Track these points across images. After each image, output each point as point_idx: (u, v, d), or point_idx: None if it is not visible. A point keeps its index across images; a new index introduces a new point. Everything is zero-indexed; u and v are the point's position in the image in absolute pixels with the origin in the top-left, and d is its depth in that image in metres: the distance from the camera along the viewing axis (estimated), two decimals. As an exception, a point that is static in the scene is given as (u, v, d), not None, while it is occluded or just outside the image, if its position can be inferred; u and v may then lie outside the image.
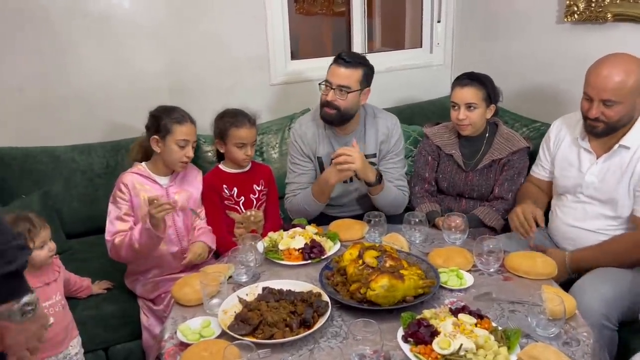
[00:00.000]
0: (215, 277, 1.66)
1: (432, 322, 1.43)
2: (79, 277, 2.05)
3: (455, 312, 1.48)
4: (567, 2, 2.59)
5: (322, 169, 2.32)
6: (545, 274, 1.72)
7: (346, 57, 2.15)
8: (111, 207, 2.00)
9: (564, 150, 2.02)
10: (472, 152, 2.37)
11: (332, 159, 2.11)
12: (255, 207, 2.25)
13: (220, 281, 1.66)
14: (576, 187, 1.96)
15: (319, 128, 2.32)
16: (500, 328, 1.42)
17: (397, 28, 4.05)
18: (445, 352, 1.33)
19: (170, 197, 2.05)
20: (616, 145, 1.81)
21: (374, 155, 2.32)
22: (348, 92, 2.13)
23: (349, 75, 2.14)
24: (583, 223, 1.96)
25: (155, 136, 2.00)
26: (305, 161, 2.33)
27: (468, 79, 2.27)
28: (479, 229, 2.27)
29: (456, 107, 2.27)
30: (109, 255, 2.01)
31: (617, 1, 2.38)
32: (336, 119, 2.20)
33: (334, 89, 2.15)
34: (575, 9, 2.56)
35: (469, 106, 2.24)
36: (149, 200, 1.85)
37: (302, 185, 2.32)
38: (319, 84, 2.22)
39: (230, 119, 2.18)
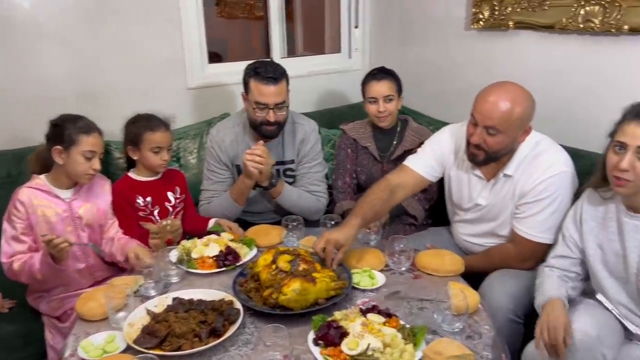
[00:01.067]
0: (121, 290, 1.59)
1: (342, 323, 1.45)
2: None
3: (365, 312, 1.50)
4: (474, 9, 2.71)
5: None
6: (453, 270, 1.79)
7: (272, 75, 2.11)
8: (6, 226, 1.86)
9: (456, 169, 2.04)
10: (386, 145, 2.49)
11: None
12: (171, 216, 2.18)
13: (126, 294, 1.60)
14: (469, 206, 2.03)
15: (238, 135, 2.29)
16: (407, 326, 1.46)
17: (317, 33, 4.09)
18: (354, 352, 1.34)
19: (74, 212, 1.93)
20: (501, 174, 1.89)
21: (292, 161, 2.32)
22: (287, 107, 2.19)
23: (280, 91, 2.13)
24: (477, 238, 2.06)
25: (58, 147, 1.87)
26: (222, 169, 2.30)
27: (382, 72, 2.41)
28: (401, 217, 2.41)
29: (374, 101, 2.38)
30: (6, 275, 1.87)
31: (518, 9, 2.51)
32: (278, 132, 2.23)
33: (272, 109, 2.13)
34: (481, 16, 2.68)
35: (386, 98, 2.36)
36: (44, 241, 1.74)
37: (217, 194, 2.28)
38: (254, 108, 2.16)
39: (144, 123, 2.11)
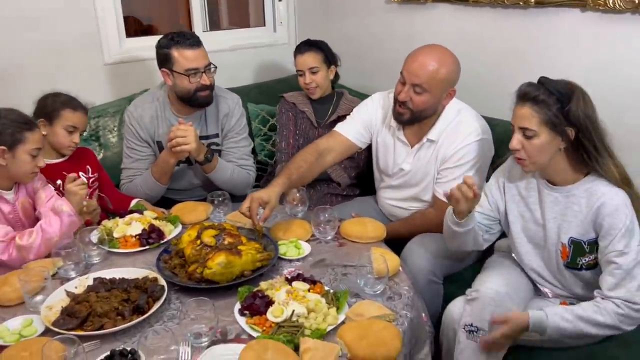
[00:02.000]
0: (38, 273, 1.53)
1: (268, 292, 1.47)
2: None
3: (290, 281, 1.53)
4: (393, -17, 2.75)
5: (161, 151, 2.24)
6: (375, 237, 1.85)
7: (192, 39, 2.10)
8: None
9: (383, 135, 2.11)
10: (322, 112, 2.58)
11: (167, 139, 2.05)
12: (86, 198, 2.10)
13: (44, 276, 1.54)
14: (394, 172, 2.10)
15: (157, 110, 2.23)
16: (331, 291, 1.50)
17: (242, 6, 4.02)
18: (278, 319, 1.37)
19: (17, 214, 1.82)
20: (425, 139, 1.97)
21: (216, 135, 2.29)
22: (215, 68, 2.17)
23: (205, 54, 2.14)
24: (401, 203, 2.13)
25: (2, 147, 1.69)
26: (142, 146, 2.24)
27: (306, 45, 2.49)
28: (326, 182, 2.50)
29: (301, 74, 2.47)
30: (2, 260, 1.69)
31: (434, -17, 2.58)
32: (212, 97, 2.20)
33: (203, 72, 2.11)
34: (400, -11, 2.73)
35: (311, 70, 2.44)
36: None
37: (139, 172, 2.23)
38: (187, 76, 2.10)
39: (66, 99, 2.02)
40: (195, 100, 2.16)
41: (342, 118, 2.38)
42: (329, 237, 1.86)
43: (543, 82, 1.52)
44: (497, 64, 2.43)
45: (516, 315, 1.51)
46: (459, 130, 1.90)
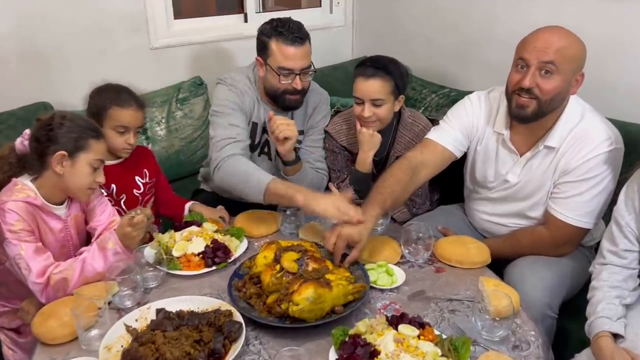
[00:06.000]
0: (91, 303, 1.30)
1: (369, 338, 1.21)
2: None
3: (392, 322, 1.26)
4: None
5: (254, 135, 1.96)
6: (480, 262, 1.57)
7: (297, 34, 1.81)
8: (16, 247, 1.41)
9: (485, 141, 1.79)
10: (378, 150, 1.97)
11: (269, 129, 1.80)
12: (141, 205, 1.86)
13: (99, 307, 1.30)
14: (494, 184, 1.79)
15: (254, 97, 1.95)
16: (444, 336, 1.23)
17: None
18: (389, 378, 1.11)
19: (69, 231, 1.58)
20: (541, 146, 1.65)
21: (302, 132, 2.02)
22: (313, 72, 1.90)
23: (306, 53, 1.84)
24: (500, 219, 1.82)
25: (62, 151, 1.46)
26: (242, 116, 1.88)
27: (373, 67, 1.87)
28: None
29: (360, 102, 1.89)
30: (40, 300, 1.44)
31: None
32: (301, 102, 1.94)
33: (298, 74, 1.82)
34: (485, -34, 2.39)
35: (374, 102, 1.87)
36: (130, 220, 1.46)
37: (234, 138, 1.80)
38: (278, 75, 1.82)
39: (112, 95, 1.74)
40: (281, 102, 1.89)
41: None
42: (422, 260, 1.59)
43: None
44: (599, 56, 2.09)
45: None
46: (589, 137, 1.57)
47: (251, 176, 1.68)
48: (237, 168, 1.72)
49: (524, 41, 1.58)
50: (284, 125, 1.75)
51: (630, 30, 1.96)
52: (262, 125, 1.97)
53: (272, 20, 1.87)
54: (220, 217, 1.85)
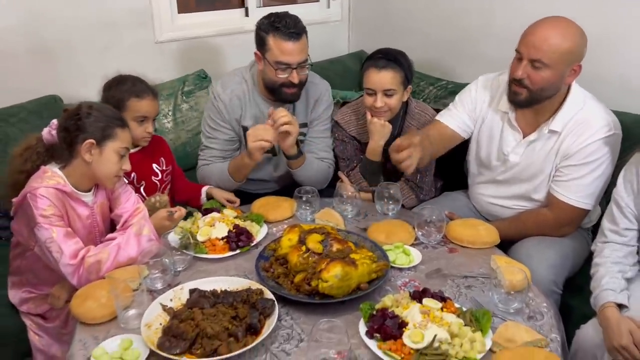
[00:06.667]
0: (125, 284, 1.36)
1: (396, 311, 1.29)
2: None
3: (415, 297, 1.35)
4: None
5: (246, 139, 2.02)
6: (490, 242, 1.66)
7: (294, 29, 1.86)
8: (47, 231, 1.45)
9: (489, 120, 1.89)
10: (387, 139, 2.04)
11: (270, 121, 1.85)
12: (159, 191, 1.92)
13: (134, 287, 1.36)
14: (497, 164, 1.89)
15: (246, 93, 2.01)
16: (464, 309, 1.32)
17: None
18: (419, 345, 1.19)
19: (95, 218, 1.62)
20: (545, 130, 1.74)
21: (305, 125, 2.09)
22: (310, 66, 1.95)
23: (303, 48, 1.89)
24: (505, 201, 1.91)
25: (91, 140, 1.50)
26: (226, 127, 2.03)
27: (385, 59, 1.93)
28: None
29: (372, 93, 1.95)
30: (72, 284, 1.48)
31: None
32: (299, 95, 1.99)
33: (295, 68, 1.88)
34: (481, -38, 2.48)
35: (387, 92, 1.93)
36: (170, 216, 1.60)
37: (219, 154, 2.03)
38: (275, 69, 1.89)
39: (130, 87, 1.79)
40: (278, 95, 1.95)
41: None
42: (435, 242, 1.68)
43: None
44: (593, 47, 2.20)
45: None
46: (589, 123, 1.68)
47: (221, 174, 2.00)
48: (210, 172, 2.04)
49: (524, 33, 1.69)
50: (285, 118, 1.81)
51: (623, 24, 2.07)
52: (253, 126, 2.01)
53: (270, 15, 1.92)
54: (228, 200, 1.95)
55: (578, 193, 1.70)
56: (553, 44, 1.61)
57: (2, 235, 2.09)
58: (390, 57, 1.93)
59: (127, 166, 1.58)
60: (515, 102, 1.74)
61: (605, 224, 1.59)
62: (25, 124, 2.17)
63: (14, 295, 1.70)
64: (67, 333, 1.63)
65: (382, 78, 1.91)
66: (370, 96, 1.96)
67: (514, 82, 1.70)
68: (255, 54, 1.94)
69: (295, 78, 1.89)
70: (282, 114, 1.82)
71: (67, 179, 1.53)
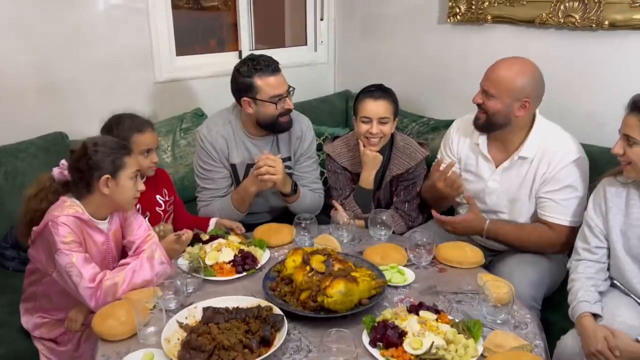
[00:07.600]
0: (143, 304, 1.46)
1: (395, 322, 1.41)
2: None
3: (411, 310, 1.48)
4: (450, 4, 2.75)
5: (236, 175, 2.18)
6: (476, 262, 1.81)
7: (273, 64, 2.05)
8: (67, 257, 1.54)
9: (466, 154, 2.10)
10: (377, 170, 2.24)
11: (253, 168, 2.00)
12: (163, 221, 2.03)
13: (150, 306, 1.46)
14: (479, 192, 2.06)
15: (230, 133, 2.16)
16: (457, 320, 1.45)
17: (273, 25, 3.97)
18: (419, 351, 1.31)
19: (110, 244, 1.73)
20: (516, 157, 1.94)
21: (289, 159, 2.24)
22: (294, 89, 2.11)
23: (284, 78, 2.08)
24: None
25: (106, 175, 1.61)
26: (219, 167, 2.17)
27: (380, 90, 2.15)
28: None
29: (368, 121, 2.12)
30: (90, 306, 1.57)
31: (495, 4, 2.58)
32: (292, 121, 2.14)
33: (286, 96, 2.06)
34: (458, 10, 2.73)
35: (381, 120, 2.12)
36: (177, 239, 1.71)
37: (216, 192, 2.16)
38: (273, 104, 2.04)
39: (129, 124, 1.91)
40: (277, 126, 2.10)
41: (396, 177, 2.22)
42: (425, 263, 1.82)
43: None
44: (563, 86, 2.42)
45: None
46: (555, 150, 1.88)
47: (225, 209, 2.12)
48: (212, 211, 2.15)
49: (488, 68, 1.94)
50: (269, 168, 1.95)
51: (588, 64, 2.31)
52: (247, 162, 2.16)
53: (244, 61, 2.06)
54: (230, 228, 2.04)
55: (568, 215, 1.88)
56: (501, 78, 1.86)
57: (10, 265, 2.17)
58: (384, 90, 2.16)
59: (141, 187, 1.70)
60: (476, 125, 1.98)
61: (579, 243, 1.76)
62: (33, 159, 2.27)
63: (27, 321, 1.77)
64: (78, 357, 1.71)
65: (378, 107, 2.12)
66: (366, 124, 2.13)
67: (478, 107, 1.95)
68: (243, 100, 2.05)
69: (289, 104, 2.07)
70: (267, 162, 1.96)
71: (85, 208, 1.64)
